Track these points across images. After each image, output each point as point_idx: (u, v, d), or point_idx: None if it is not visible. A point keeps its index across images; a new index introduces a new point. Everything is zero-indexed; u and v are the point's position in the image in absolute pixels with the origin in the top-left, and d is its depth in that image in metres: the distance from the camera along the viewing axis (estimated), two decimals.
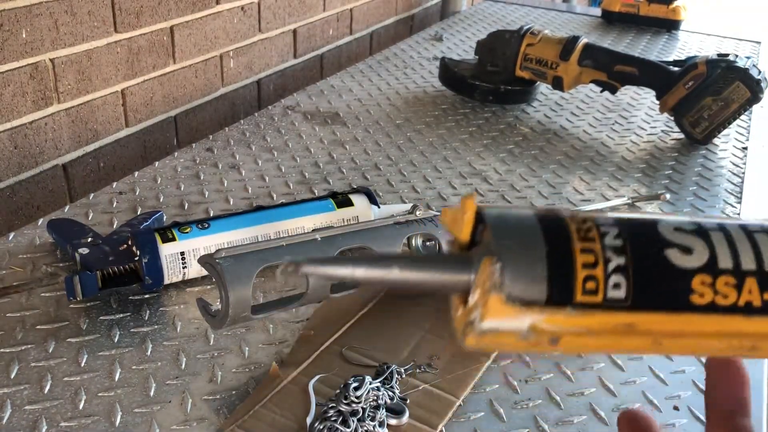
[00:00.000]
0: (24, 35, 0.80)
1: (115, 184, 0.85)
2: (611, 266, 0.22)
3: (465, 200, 0.24)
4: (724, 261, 0.23)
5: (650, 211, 0.85)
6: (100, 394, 0.54)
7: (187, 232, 0.64)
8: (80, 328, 0.60)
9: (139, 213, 0.78)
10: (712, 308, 0.23)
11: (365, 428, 0.50)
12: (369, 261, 0.23)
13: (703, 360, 0.61)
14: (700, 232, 0.24)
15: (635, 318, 0.22)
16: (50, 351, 0.58)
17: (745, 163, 1.00)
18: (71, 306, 0.63)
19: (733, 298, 0.23)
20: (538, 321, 0.22)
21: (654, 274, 0.23)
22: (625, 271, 0.22)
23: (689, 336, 0.23)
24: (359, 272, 0.23)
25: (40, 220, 0.76)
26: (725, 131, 1.06)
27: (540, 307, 0.22)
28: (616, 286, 0.22)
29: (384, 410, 0.51)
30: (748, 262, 0.23)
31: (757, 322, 0.23)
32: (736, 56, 1.02)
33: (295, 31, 1.28)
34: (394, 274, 0.23)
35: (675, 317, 0.23)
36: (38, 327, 0.60)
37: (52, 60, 0.85)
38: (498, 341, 0.23)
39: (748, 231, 0.24)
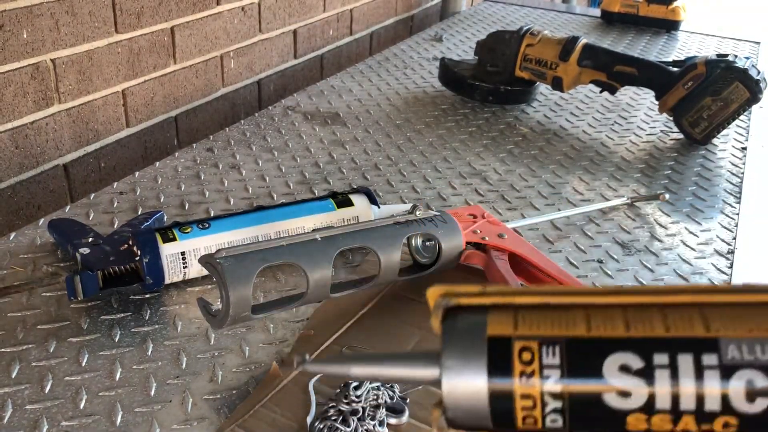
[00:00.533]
0: (25, 35, 0.80)
1: (115, 184, 0.85)
2: (548, 409, 0.24)
3: (429, 294, 0.26)
4: (662, 401, 0.23)
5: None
6: (100, 394, 0.54)
7: (187, 232, 0.64)
8: (81, 328, 0.61)
9: (139, 213, 0.78)
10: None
11: (365, 427, 0.50)
12: (360, 360, 0.27)
13: None
14: (646, 372, 0.24)
15: None
16: (51, 350, 0.58)
17: (744, 164, 1.00)
18: (72, 306, 0.63)
19: (669, 428, 0.23)
20: None
21: (589, 414, 0.24)
22: (562, 413, 0.24)
23: None
24: (353, 370, 0.27)
25: (41, 220, 0.76)
26: (724, 131, 1.06)
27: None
28: (554, 421, 0.24)
29: (384, 409, 0.51)
30: (687, 403, 0.23)
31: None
32: (736, 56, 1.02)
33: (295, 32, 1.28)
34: (380, 371, 0.27)
35: None
36: (39, 327, 0.60)
37: (53, 60, 0.85)
38: None
39: (700, 367, 0.24)
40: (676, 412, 0.23)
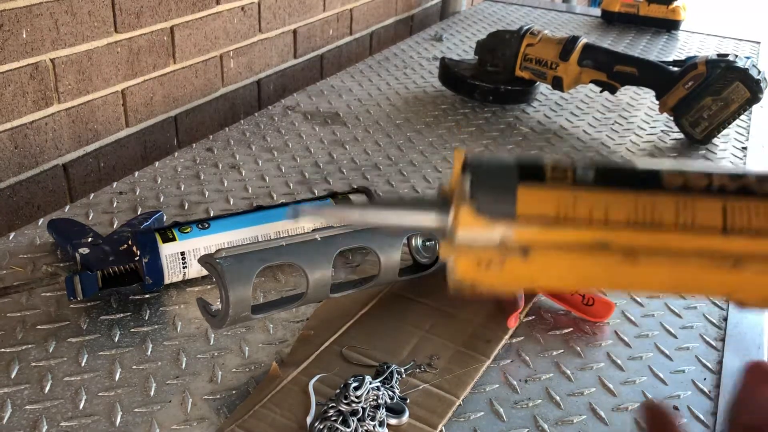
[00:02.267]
0: (24, 35, 0.80)
1: (115, 184, 0.85)
2: (578, 165, 0.24)
3: (456, 152, 0.26)
4: (696, 178, 0.24)
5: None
6: (100, 394, 0.54)
7: (187, 232, 0.64)
8: (81, 328, 0.60)
9: (139, 213, 0.78)
10: (687, 189, 0.23)
11: (365, 428, 0.50)
12: (362, 206, 0.26)
13: (706, 362, 0.61)
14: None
15: (611, 234, 0.23)
16: (51, 351, 0.58)
17: (744, 163, 1.00)
18: (71, 306, 0.63)
19: (705, 181, 0.23)
20: (508, 234, 0.23)
21: (621, 169, 0.24)
22: (592, 167, 0.24)
23: (665, 254, 0.23)
24: (354, 216, 0.26)
25: (41, 220, 0.76)
26: (725, 131, 1.06)
27: (510, 220, 0.23)
28: (585, 171, 0.24)
29: (384, 410, 0.51)
30: (720, 178, 0.24)
31: (735, 241, 0.23)
32: (736, 56, 1.02)
33: (295, 32, 1.28)
34: (386, 216, 0.25)
35: (651, 234, 0.23)
36: (39, 327, 0.60)
37: (52, 60, 0.85)
38: (471, 252, 0.24)
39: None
40: (706, 173, 0.24)
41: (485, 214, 0.23)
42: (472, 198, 0.23)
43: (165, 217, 0.76)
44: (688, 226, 0.23)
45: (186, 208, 0.81)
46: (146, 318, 0.62)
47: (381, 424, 0.50)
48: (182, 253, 0.64)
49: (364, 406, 0.51)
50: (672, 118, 1.06)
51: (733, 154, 1.03)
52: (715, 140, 1.06)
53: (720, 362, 0.61)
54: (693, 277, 0.23)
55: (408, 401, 0.53)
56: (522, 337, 0.62)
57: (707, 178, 0.23)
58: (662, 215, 0.23)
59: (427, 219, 0.25)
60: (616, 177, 0.23)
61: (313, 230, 0.59)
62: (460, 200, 0.24)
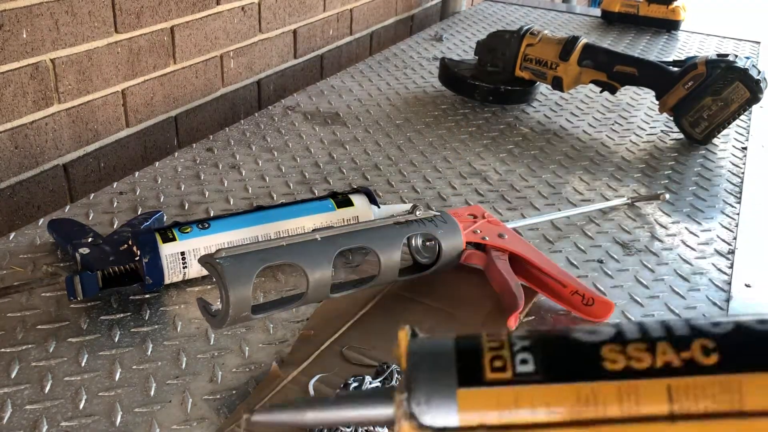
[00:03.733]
0: (24, 35, 0.80)
1: (115, 184, 0.85)
2: (516, 348, 0.24)
3: (399, 334, 0.26)
4: (631, 333, 0.23)
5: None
6: (100, 394, 0.54)
7: (187, 232, 0.64)
8: (81, 328, 0.60)
9: (139, 213, 0.78)
10: (629, 374, 0.22)
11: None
12: (313, 405, 0.26)
13: None
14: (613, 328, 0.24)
15: None
16: (51, 351, 0.58)
17: (744, 164, 1.00)
18: (72, 306, 0.63)
19: (648, 361, 0.22)
20: None
21: (560, 347, 0.23)
22: (531, 351, 0.23)
23: None
24: (307, 416, 0.26)
25: (41, 220, 0.76)
26: (725, 131, 1.06)
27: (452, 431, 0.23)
28: (524, 362, 0.23)
29: None
30: (655, 331, 0.23)
31: (682, 426, 0.22)
32: (736, 56, 1.02)
33: (295, 32, 1.28)
34: (336, 414, 0.26)
35: (595, 430, 0.22)
36: (39, 327, 0.60)
37: (52, 60, 0.85)
38: None
39: (668, 326, 0.24)
40: (648, 339, 0.23)
41: (427, 430, 0.23)
42: (411, 412, 0.23)
43: (165, 217, 0.76)
44: (633, 416, 0.22)
45: (186, 208, 0.81)
46: (146, 318, 0.62)
47: None
48: (182, 253, 0.64)
49: None
50: (672, 118, 1.06)
51: (733, 154, 1.03)
52: (715, 140, 1.06)
53: None
54: None
55: None
56: None
57: (650, 356, 0.22)
58: (605, 407, 0.22)
59: (381, 413, 0.25)
60: (556, 361, 0.23)
61: (313, 230, 0.59)
62: (400, 415, 0.24)
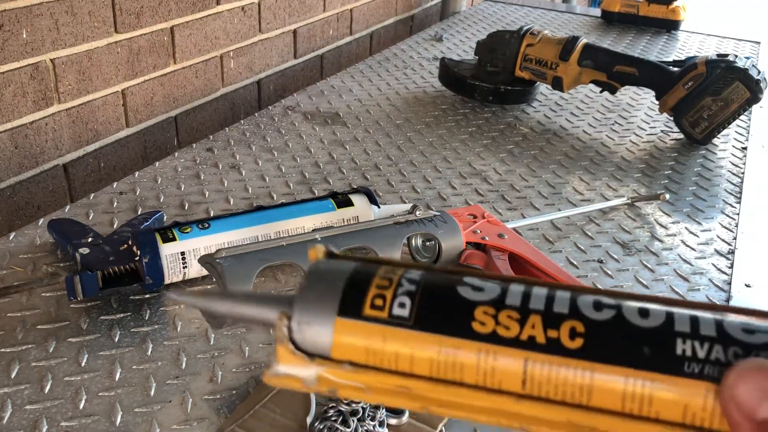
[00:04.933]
0: (24, 35, 0.80)
1: (115, 184, 0.85)
2: (400, 290, 0.24)
3: (309, 252, 0.26)
4: (512, 299, 0.23)
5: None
6: (100, 394, 0.54)
7: (187, 232, 0.64)
8: (81, 328, 0.60)
9: (139, 213, 0.78)
10: (493, 338, 0.23)
11: (365, 428, 0.50)
12: (222, 297, 0.27)
13: None
14: (501, 289, 0.24)
15: (409, 382, 0.23)
16: (51, 351, 0.58)
17: (744, 164, 1.00)
18: (72, 306, 0.63)
19: (515, 331, 0.23)
20: (322, 372, 0.24)
21: (438, 299, 0.24)
22: (412, 296, 0.24)
23: (459, 408, 0.23)
24: (215, 305, 0.27)
25: (41, 220, 0.76)
26: (725, 131, 1.06)
27: (323, 360, 0.24)
28: (401, 305, 0.24)
29: (384, 410, 0.51)
30: (537, 302, 0.23)
31: (527, 406, 0.22)
32: (736, 56, 1.02)
33: (295, 32, 1.28)
34: (238, 309, 0.26)
35: (447, 389, 0.23)
36: (39, 327, 0.60)
37: (52, 60, 0.85)
38: (289, 383, 0.25)
39: (551, 288, 0.24)
40: (524, 310, 0.23)
41: (302, 354, 0.24)
42: (291, 337, 0.24)
43: (165, 217, 0.76)
44: (485, 383, 0.23)
45: (186, 208, 0.81)
46: (146, 318, 0.62)
47: (381, 424, 0.50)
48: (182, 253, 0.64)
49: (364, 405, 0.51)
50: (672, 118, 1.06)
51: (733, 154, 1.03)
52: (714, 140, 1.06)
53: None
54: (486, 423, 0.24)
55: None
56: None
57: (518, 327, 0.23)
58: (463, 367, 0.23)
59: (268, 316, 0.26)
60: (429, 312, 0.24)
61: (313, 230, 0.59)
62: (280, 336, 0.25)
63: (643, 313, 0.22)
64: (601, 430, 0.22)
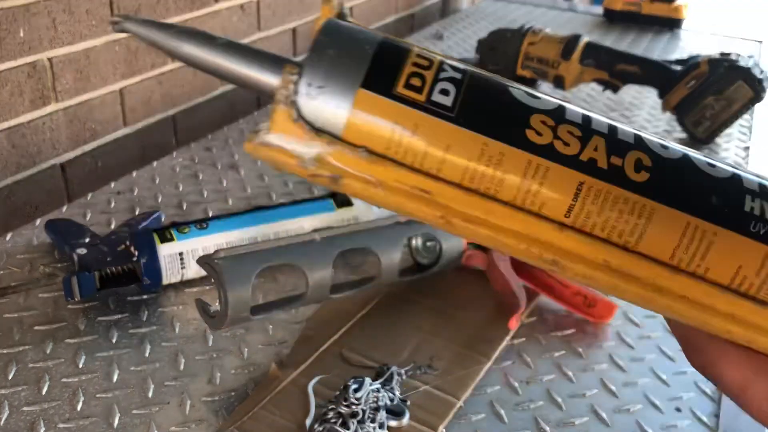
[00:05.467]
0: (21, 34, 0.80)
1: (113, 184, 0.85)
2: (443, 75, 0.19)
3: (323, 7, 0.21)
4: (573, 115, 0.20)
5: None
6: (98, 396, 0.53)
7: (185, 233, 0.64)
8: (78, 329, 0.60)
9: (137, 213, 0.78)
10: (549, 152, 0.19)
11: (365, 430, 0.49)
12: (196, 39, 0.22)
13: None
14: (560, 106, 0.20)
15: (434, 186, 0.19)
16: (48, 352, 0.57)
17: (747, 163, 0.99)
18: (69, 307, 0.62)
19: (575, 149, 0.19)
20: (327, 153, 0.19)
21: (489, 94, 0.19)
22: (458, 84, 0.19)
23: (485, 226, 0.19)
24: (183, 47, 0.22)
25: (38, 221, 0.75)
26: (727, 131, 1.05)
27: (332, 138, 0.19)
28: (444, 92, 0.19)
29: (384, 412, 0.51)
30: (599, 126, 0.20)
31: (566, 237, 0.19)
32: (739, 55, 1.01)
33: (294, 30, 1.27)
34: (215, 59, 0.21)
35: (478, 201, 0.19)
36: (36, 328, 0.60)
37: (50, 59, 0.84)
38: (278, 158, 0.20)
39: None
40: (587, 129, 0.19)
41: (306, 125, 0.19)
42: (295, 97, 0.19)
43: (163, 217, 0.76)
44: (524, 204, 0.19)
45: (184, 208, 0.80)
46: (144, 319, 0.62)
47: (381, 426, 0.50)
48: (180, 254, 0.63)
49: (364, 408, 0.50)
50: (674, 117, 1.06)
51: (735, 154, 1.02)
52: (717, 139, 1.05)
53: None
54: (509, 250, 0.20)
55: (408, 403, 0.53)
56: (523, 338, 0.61)
57: (579, 145, 0.19)
58: (504, 179, 0.19)
59: (264, 80, 0.21)
60: (478, 106, 0.19)
61: (313, 230, 0.59)
62: (282, 96, 0.19)
63: (711, 164, 0.20)
64: (639, 278, 0.19)
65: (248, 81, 0.21)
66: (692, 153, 0.20)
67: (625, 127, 0.20)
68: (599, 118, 0.20)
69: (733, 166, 0.20)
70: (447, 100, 0.19)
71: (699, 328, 0.20)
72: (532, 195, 0.19)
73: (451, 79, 0.19)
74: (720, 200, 0.19)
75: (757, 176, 0.20)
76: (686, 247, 0.19)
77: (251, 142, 0.20)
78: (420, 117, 0.19)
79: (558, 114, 0.20)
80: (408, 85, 0.19)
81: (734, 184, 0.20)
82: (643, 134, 0.20)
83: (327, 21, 0.20)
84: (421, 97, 0.19)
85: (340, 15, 0.21)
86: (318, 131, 0.19)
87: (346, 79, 0.19)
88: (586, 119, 0.20)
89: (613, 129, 0.20)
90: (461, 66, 0.20)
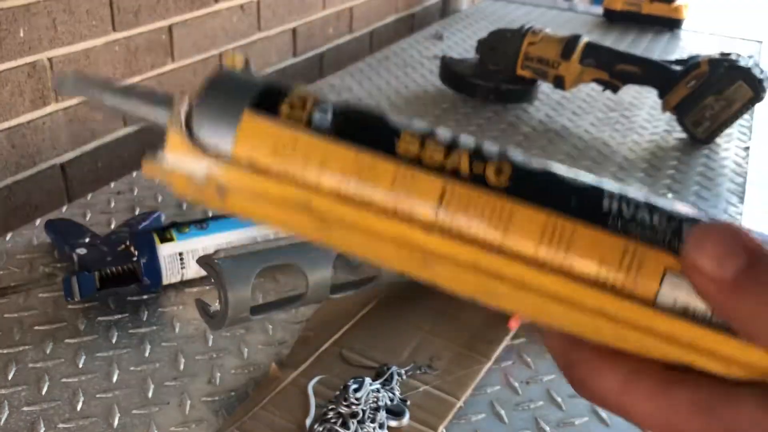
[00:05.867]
0: (22, 34, 0.80)
1: (113, 184, 0.85)
2: (323, 103, 0.22)
3: (227, 59, 0.24)
4: (442, 137, 0.22)
5: None
6: (98, 396, 0.53)
7: (185, 233, 0.64)
8: (78, 329, 0.60)
9: (137, 213, 0.78)
10: (415, 161, 0.21)
11: (365, 430, 0.49)
12: (110, 88, 0.24)
13: None
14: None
15: (313, 198, 0.21)
16: (48, 352, 0.57)
17: (747, 163, 0.99)
18: (69, 307, 0.62)
19: (439, 159, 0.21)
20: (215, 169, 0.21)
21: (362, 115, 0.22)
22: (335, 107, 0.22)
23: (363, 234, 0.21)
24: (105, 98, 0.24)
25: (38, 221, 0.75)
26: (727, 131, 1.05)
27: (219, 155, 0.21)
28: (323, 111, 0.22)
29: (384, 412, 0.51)
30: (465, 142, 0.22)
31: (435, 239, 0.21)
32: (739, 56, 1.01)
33: (294, 30, 1.27)
34: (122, 103, 0.24)
35: (353, 209, 0.21)
36: (36, 328, 0.60)
37: (50, 59, 0.84)
38: (173, 178, 0.22)
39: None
40: (453, 144, 0.21)
41: (197, 145, 0.21)
42: (189, 123, 0.22)
43: (163, 218, 0.76)
44: (394, 209, 0.21)
45: (184, 208, 0.80)
46: (144, 319, 0.62)
47: (381, 426, 0.50)
48: (180, 254, 0.63)
49: (364, 408, 0.50)
50: (674, 117, 1.06)
51: (735, 154, 1.02)
52: (717, 140, 1.05)
53: None
54: (385, 258, 0.22)
55: (408, 403, 0.53)
56: (523, 339, 0.61)
57: (444, 156, 0.21)
58: (376, 184, 0.21)
59: (159, 116, 0.23)
60: (352, 122, 0.22)
61: None
62: (176, 120, 0.22)
63: (573, 175, 0.21)
64: (507, 277, 0.21)
65: (147, 118, 0.23)
66: (555, 166, 0.22)
67: (491, 146, 0.22)
68: (467, 138, 0.22)
69: (596, 181, 0.22)
70: (324, 121, 0.22)
71: (571, 332, 0.21)
72: (401, 201, 0.21)
73: (328, 106, 0.22)
74: (579, 201, 0.21)
75: (618, 186, 0.22)
76: (548, 243, 0.20)
77: (149, 165, 0.22)
78: (299, 135, 0.21)
79: (426, 133, 0.22)
80: (290, 109, 0.22)
81: (594, 188, 0.21)
82: (508, 150, 0.22)
83: (221, 69, 0.24)
84: (301, 119, 0.22)
85: (246, 64, 0.24)
86: (207, 150, 0.21)
87: (235, 102, 0.22)
88: (454, 137, 0.22)
89: (478, 144, 0.22)
90: (335, 103, 0.23)
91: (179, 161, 0.22)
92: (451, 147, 0.21)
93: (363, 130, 0.22)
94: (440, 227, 0.21)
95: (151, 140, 0.95)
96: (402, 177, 0.21)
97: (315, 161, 0.21)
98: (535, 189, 0.21)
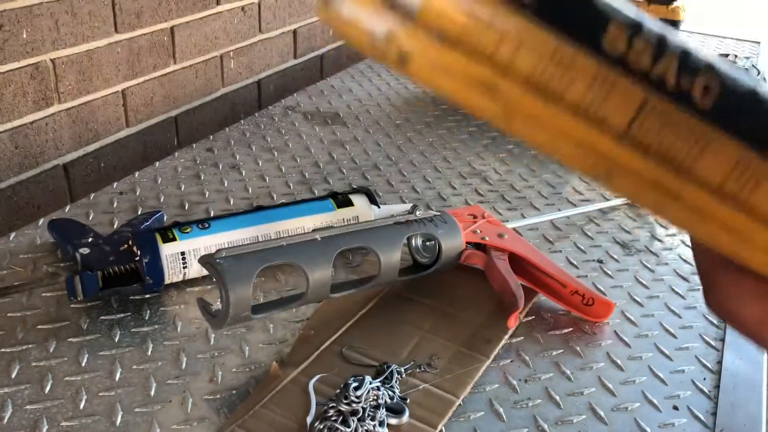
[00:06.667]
0: (25, 35, 0.80)
1: (115, 184, 0.85)
2: None
3: None
4: (649, 30, 0.19)
5: None
6: (100, 394, 0.54)
7: (187, 232, 0.64)
8: (81, 328, 0.61)
9: (139, 213, 0.78)
10: (619, 63, 0.19)
11: (365, 428, 0.50)
12: None
13: (705, 362, 0.61)
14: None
15: (500, 81, 0.19)
16: (51, 351, 0.58)
17: None
18: (72, 306, 0.63)
19: (647, 63, 0.19)
20: (399, 31, 0.19)
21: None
22: None
23: (544, 129, 0.20)
24: None
25: (41, 220, 0.76)
26: None
27: (406, 16, 0.19)
28: None
29: (384, 410, 0.51)
30: (674, 45, 0.20)
31: (622, 149, 0.20)
32: (736, 56, 1.02)
33: (295, 32, 1.28)
34: None
35: (542, 102, 0.19)
36: (39, 327, 0.60)
37: (52, 60, 0.85)
38: (349, 30, 0.19)
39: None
40: (662, 45, 0.19)
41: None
42: None
43: (165, 217, 0.76)
44: (586, 110, 0.19)
45: (186, 208, 0.81)
46: (146, 318, 0.62)
47: (381, 424, 0.50)
48: (182, 253, 0.64)
49: (364, 406, 0.51)
50: None
51: None
52: None
53: (719, 362, 0.61)
54: (564, 156, 0.20)
55: (408, 401, 0.53)
56: (522, 337, 0.62)
57: (651, 62, 0.19)
58: (571, 85, 0.19)
59: None
60: (560, 8, 0.19)
61: (313, 230, 0.59)
62: None
63: None
64: (685, 200, 0.20)
65: None
66: (762, 87, 0.20)
67: (698, 53, 0.20)
68: (675, 38, 0.20)
69: None
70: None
71: (731, 257, 0.21)
72: (597, 104, 0.19)
73: None
74: None
75: None
76: (737, 179, 0.20)
77: (324, 8, 0.19)
78: (497, 8, 0.19)
79: (635, 24, 0.19)
80: None
81: None
82: (716, 61, 0.20)
83: None
84: None
85: None
86: (393, 6, 0.19)
87: None
88: (663, 35, 0.20)
89: (687, 49, 0.20)
90: None
91: (359, 12, 0.19)
92: (660, 49, 0.19)
93: (569, 11, 0.19)
94: (631, 139, 0.19)
95: (152, 140, 0.95)
96: (603, 79, 0.19)
97: (510, 41, 0.19)
98: (738, 117, 0.19)
